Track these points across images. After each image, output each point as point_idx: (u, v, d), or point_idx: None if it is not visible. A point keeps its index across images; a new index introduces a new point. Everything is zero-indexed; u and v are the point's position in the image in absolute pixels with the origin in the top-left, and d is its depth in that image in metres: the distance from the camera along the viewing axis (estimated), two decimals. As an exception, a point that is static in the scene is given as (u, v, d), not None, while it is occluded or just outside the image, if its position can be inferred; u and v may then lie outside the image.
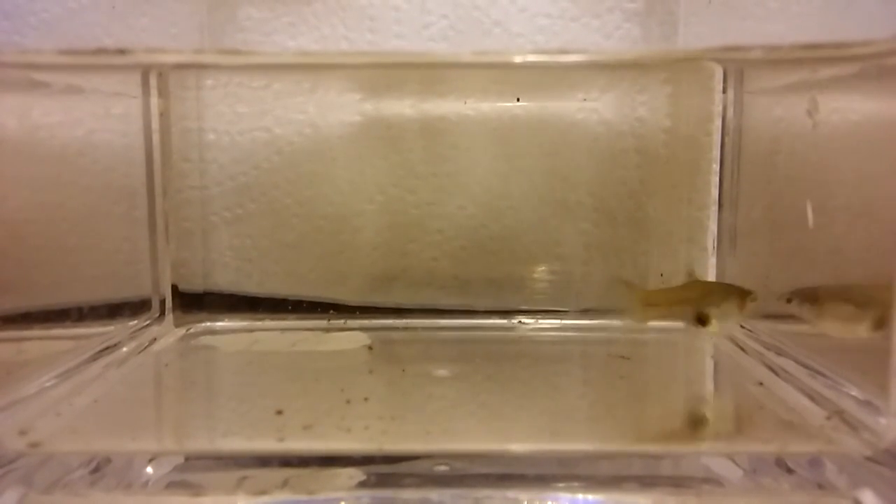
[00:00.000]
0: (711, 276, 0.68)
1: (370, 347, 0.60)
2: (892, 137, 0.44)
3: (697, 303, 0.53)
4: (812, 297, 0.49)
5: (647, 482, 0.40)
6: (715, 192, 0.67)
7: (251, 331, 0.67)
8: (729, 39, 0.48)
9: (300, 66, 0.63)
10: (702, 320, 0.52)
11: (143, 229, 0.65)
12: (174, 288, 0.68)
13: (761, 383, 0.51)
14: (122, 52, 0.44)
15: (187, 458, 0.42)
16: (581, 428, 0.45)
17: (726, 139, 0.66)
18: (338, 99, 0.67)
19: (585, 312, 0.68)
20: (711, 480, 0.41)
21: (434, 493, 0.37)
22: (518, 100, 0.66)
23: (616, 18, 0.66)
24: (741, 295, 0.53)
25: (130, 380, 0.54)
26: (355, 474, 0.39)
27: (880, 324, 0.43)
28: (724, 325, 0.53)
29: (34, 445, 0.40)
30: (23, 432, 0.42)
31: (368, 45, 0.66)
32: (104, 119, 0.61)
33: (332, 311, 0.69)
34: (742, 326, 0.62)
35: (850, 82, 0.48)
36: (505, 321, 0.68)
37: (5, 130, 0.51)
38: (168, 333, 0.65)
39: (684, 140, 0.67)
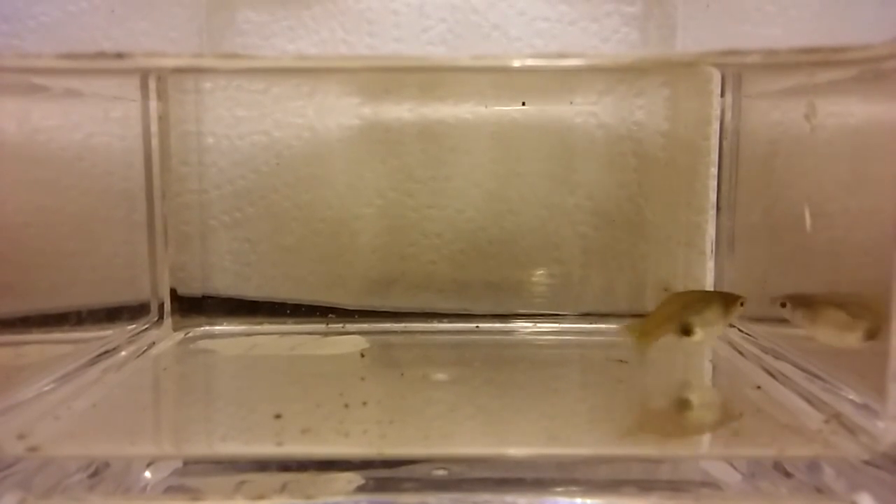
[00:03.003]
0: (709, 280, 0.68)
1: (362, 355, 0.60)
2: (889, 141, 0.44)
3: (681, 314, 0.53)
4: (806, 303, 0.49)
5: (645, 486, 0.40)
6: (713, 196, 0.67)
7: (250, 334, 0.67)
8: (727, 43, 0.48)
9: (299, 69, 0.63)
10: (686, 331, 0.53)
11: (141, 233, 0.65)
12: (173, 292, 0.68)
13: (759, 387, 0.51)
14: (121, 55, 0.44)
15: (186, 463, 0.42)
16: (579, 432, 0.45)
17: (724, 143, 0.66)
18: (337, 103, 0.67)
19: (584, 316, 0.68)
20: (710, 484, 0.41)
21: (433, 498, 0.37)
22: (524, 104, 0.66)
23: (614, 22, 0.66)
24: (725, 301, 0.53)
25: (129, 384, 0.54)
26: (354, 479, 0.39)
27: (872, 334, 0.43)
28: (710, 333, 0.54)
29: (32, 449, 0.40)
30: (21, 436, 0.42)
31: (367, 49, 0.66)
32: (103, 123, 0.61)
33: (330, 315, 0.69)
34: (740, 330, 0.62)
35: (847, 86, 0.48)
36: (503, 325, 0.68)
37: (4, 134, 0.51)
38: (167, 337, 0.65)
39: (682, 144, 0.67)
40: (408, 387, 0.53)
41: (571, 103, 0.66)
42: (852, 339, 0.45)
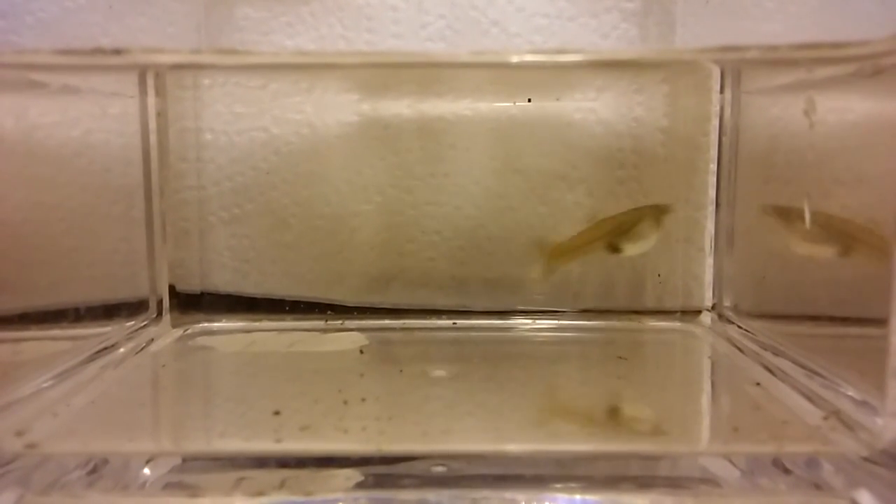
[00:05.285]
0: (708, 276, 0.68)
1: (361, 351, 0.60)
2: (888, 137, 0.44)
3: (609, 236, 0.53)
4: (784, 214, 0.53)
5: (644, 483, 0.40)
6: (712, 192, 0.67)
7: (248, 331, 0.67)
8: (726, 39, 0.48)
9: (298, 65, 0.63)
10: (615, 249, 0.53)
11: (140, 230, 0.65)
12: (171, 288, 0.68)
13: (758, 384, 0.51)
14: (118, 52, 0.44)
15: (185, 459, 0.42)
16: (578, 428, 0.45)
17: (724, 139, 0.66)
18: (335, 99, 0.67)
19: (583, 313, 0.68)
20: (709, 481, 0.41)
21: (431, 494, 0.37)
22: (530, 100, 0.66)
23: (613, 18, 0.66)
24: (653, 213, 0.53)
25: (128, 381, 0.54)
26: (353, 475, 0.39)
27: (846, 252, 0.46)
28: (645, 245, 0.54)
29: (31, 446, 0.40)
30: (20, 433, 0.42)
31: (366, 45, 0.66)
32: (101, 119, 0.61)
33: (329, 312, 0.69)
34: (739, 327, 0.62)
35: (846, 82, 0.48)
36: (501, 321, 0.68)
37: (2, 131, 0.50)
38: (165, 334, 0.65)
39: (682, 140, 0.67)
40: (407, 383, 0.53)
41: (557, 99, 0.66)
42: (826, 251, 0.48)
